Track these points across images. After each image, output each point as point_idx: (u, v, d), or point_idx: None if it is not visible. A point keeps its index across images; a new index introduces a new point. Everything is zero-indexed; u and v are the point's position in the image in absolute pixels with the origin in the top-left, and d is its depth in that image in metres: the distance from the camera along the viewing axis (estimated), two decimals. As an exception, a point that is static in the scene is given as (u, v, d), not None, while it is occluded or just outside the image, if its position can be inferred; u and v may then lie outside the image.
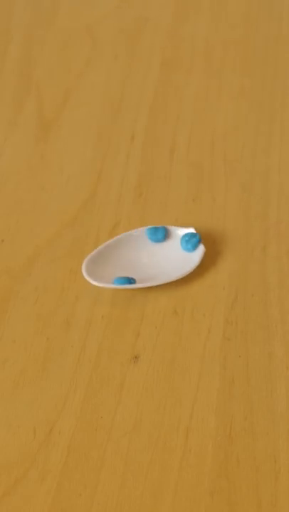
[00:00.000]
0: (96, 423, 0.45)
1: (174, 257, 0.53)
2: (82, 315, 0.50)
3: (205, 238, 0.54)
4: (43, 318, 0.50)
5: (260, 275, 0.52)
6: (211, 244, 0.53)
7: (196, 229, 0.54)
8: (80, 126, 0.62)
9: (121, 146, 0.60)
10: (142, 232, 0.54)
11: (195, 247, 0.52)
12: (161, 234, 0.53)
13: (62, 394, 0.47)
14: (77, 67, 0.66)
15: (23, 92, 0.64)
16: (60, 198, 0.57)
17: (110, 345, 0.49)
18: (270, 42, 0.68)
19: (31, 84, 0.65)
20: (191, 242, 0.52)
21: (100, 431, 0.45)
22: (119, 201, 0.56)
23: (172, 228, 0.53)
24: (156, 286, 0.51)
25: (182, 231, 0.53)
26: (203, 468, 0.44)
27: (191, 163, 0.59)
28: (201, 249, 0.52)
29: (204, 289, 0.51)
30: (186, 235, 0.53)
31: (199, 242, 0.52)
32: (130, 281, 0.50)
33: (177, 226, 0.54)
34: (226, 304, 0.50)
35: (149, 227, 0.53)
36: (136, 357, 0.48)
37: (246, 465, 0.44)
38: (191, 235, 0.53)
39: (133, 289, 0.51)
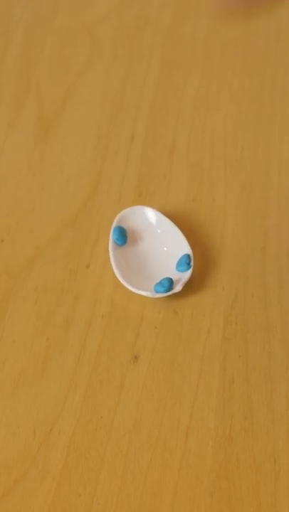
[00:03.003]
0: (96, 423, 0.45)
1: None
2: (82, 315, 0.50)
3: (205, 238, 0.54)
4: (42, 318, 0.50)
5: (260, 275, 0.52)
6: (210, 244, 0.53)
7: (196, 228, 0.54)
8: (80, 126, 0.62)
9: (121, 146, 0.60)
10: None
11: (187, 269, 0.52)
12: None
13: (62, 394, 0.47)
14: (77, 67, 0.66)
15: (23, 92, 0.64)
16: (60, 198, 0.57)
17: (110, 345, 0.49)
18: (270, 42, 0.68)
19: (31, 84, 0.65)
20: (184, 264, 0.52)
21: (99, 431, 0.45)
22: (119, 201, 0.56)
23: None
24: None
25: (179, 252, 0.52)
26: (203, 469, 0.44)
27: (190, 163, 0.59)
28: (189, 271, 0.51)
29: (204, 289, 0.51)
30: (184, 257, 0.52)
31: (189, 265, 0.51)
32: (170, 284, 0.50)
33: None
34: (225, 304, 0.50)
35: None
36: (136, 357, 0.48)
37: (246, 465, 0.44)
38: (187, 257, 0.52)
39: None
